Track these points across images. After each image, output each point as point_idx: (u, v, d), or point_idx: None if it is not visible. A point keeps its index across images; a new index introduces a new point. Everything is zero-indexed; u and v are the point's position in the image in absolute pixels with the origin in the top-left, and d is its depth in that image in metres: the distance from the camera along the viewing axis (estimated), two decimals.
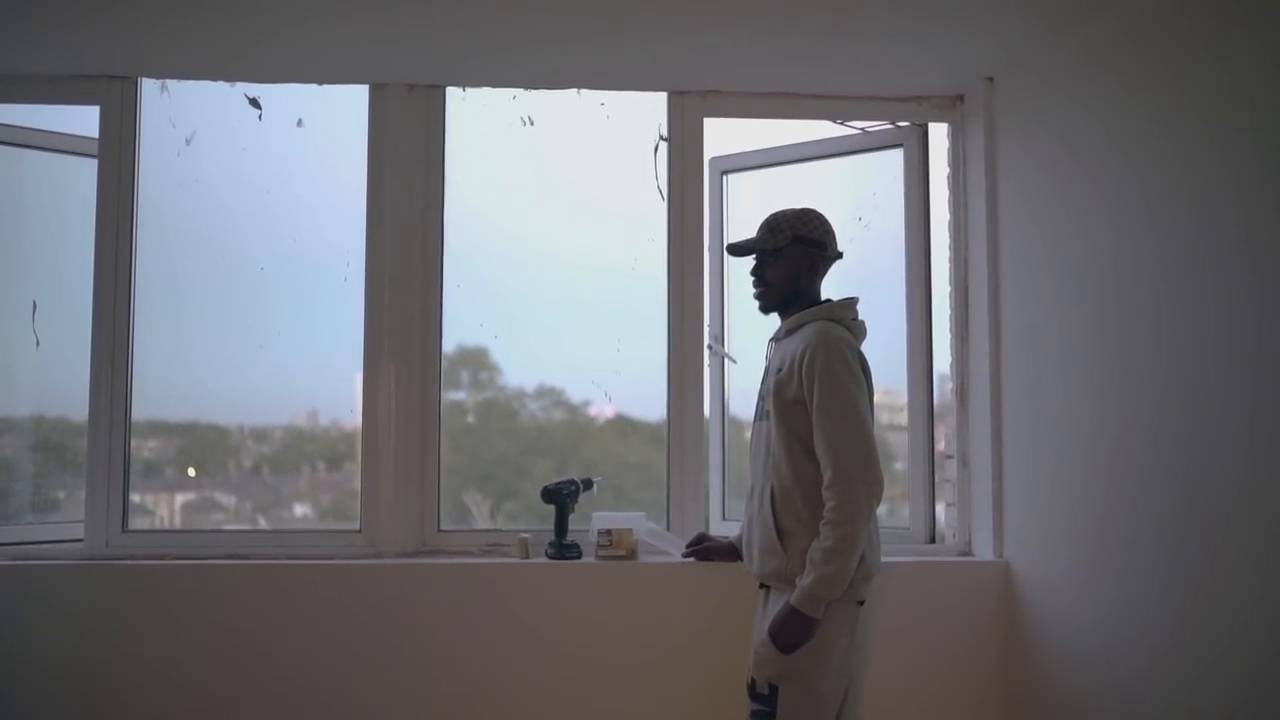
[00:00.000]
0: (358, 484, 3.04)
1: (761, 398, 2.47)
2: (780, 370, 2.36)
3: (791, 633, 2.21)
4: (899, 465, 3.18)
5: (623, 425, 3.28)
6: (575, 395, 3.26)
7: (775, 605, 2.30)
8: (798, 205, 2.49)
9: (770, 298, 2.47)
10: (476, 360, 3.22)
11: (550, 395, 3.28)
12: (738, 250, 2.51)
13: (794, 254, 2.42)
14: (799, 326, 2.40)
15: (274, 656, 2.82)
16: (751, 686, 2.29)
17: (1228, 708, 2.15)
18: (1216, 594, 2.17)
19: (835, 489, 2.21)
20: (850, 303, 2.45)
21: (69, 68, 2.96)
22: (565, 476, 2.98)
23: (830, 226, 2.47)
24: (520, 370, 3.23)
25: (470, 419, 3.27)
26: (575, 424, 3.29)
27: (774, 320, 2.52)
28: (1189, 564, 2.25)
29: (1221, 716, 2.16)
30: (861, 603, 2.29)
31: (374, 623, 2.83)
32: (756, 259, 2.48)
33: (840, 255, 2.49)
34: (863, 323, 2.45)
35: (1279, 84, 2.03)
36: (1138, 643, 2.41)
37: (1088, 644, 2.59)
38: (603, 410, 3.25)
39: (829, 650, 2.24)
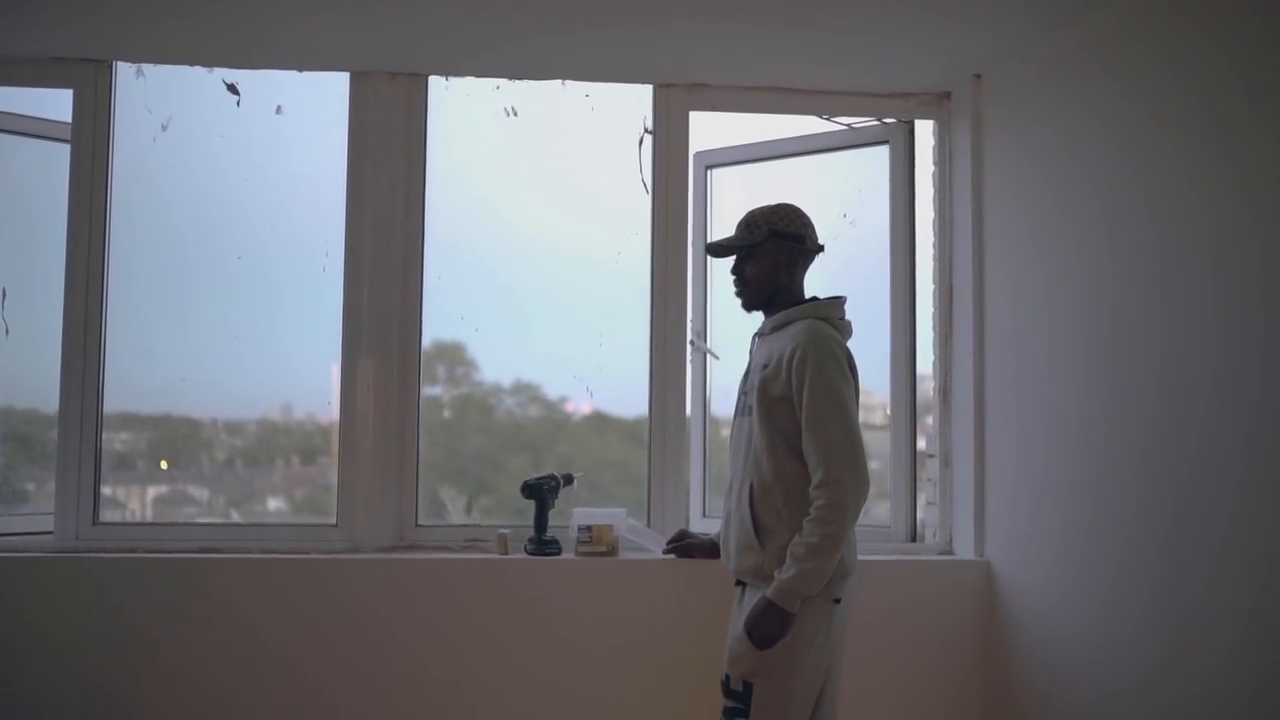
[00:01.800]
0: (332, 478, 3.00)
1: (744, 393, 2.44)
2: (766, 366, 2.33)
3: (767, 626, 2.20)
4: (874, 464, 3.16)
5: (599, 421, 3.25)
6: (552, 391, 3.23)
7: (751, 602, 2.28)
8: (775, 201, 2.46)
9: (751, 295, 2.44)
10: (453, 355, 3.18)
11: (527, 391, 3.25)
12: (717, 250, 2.49)
13: (772, 249, 2.40)
14: (786, 323, 2.38)
15: (248, 651, 2.78)
16: (726, 683, 2.28)
17: (1222, 718, 2.11)
18: (1209, 598, 2.14)
19: (825, 489, 2.20)
20: (838, 302, 2.43)
21: (41, 50, 2.90)
22: (544, 472, 2.96)
23: (808, 219, 2.44)
24: (497, 365, 3.19)
25: (446, 414, 3.23)
26: (551, 420, 3.26)
27: (757, 317, 2.49)
28: (1179, 568, 2.23)
29: None
30: (838, 601, 2.28)
31: (351, 618, 2.80)
32: (735, 257, 2.45)
33: (821, 249, 2.46)
34: (849, 322, 2.43)
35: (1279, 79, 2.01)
36: (1123, 647, 2.39)
37: (1069, 645, 2.58)
38: (579, 406, 3.23)
39: (804, 648, 2.22)
